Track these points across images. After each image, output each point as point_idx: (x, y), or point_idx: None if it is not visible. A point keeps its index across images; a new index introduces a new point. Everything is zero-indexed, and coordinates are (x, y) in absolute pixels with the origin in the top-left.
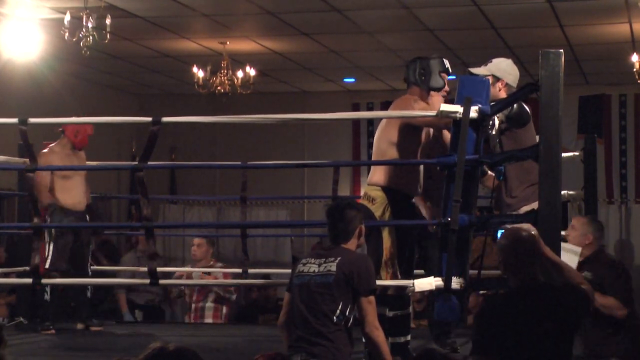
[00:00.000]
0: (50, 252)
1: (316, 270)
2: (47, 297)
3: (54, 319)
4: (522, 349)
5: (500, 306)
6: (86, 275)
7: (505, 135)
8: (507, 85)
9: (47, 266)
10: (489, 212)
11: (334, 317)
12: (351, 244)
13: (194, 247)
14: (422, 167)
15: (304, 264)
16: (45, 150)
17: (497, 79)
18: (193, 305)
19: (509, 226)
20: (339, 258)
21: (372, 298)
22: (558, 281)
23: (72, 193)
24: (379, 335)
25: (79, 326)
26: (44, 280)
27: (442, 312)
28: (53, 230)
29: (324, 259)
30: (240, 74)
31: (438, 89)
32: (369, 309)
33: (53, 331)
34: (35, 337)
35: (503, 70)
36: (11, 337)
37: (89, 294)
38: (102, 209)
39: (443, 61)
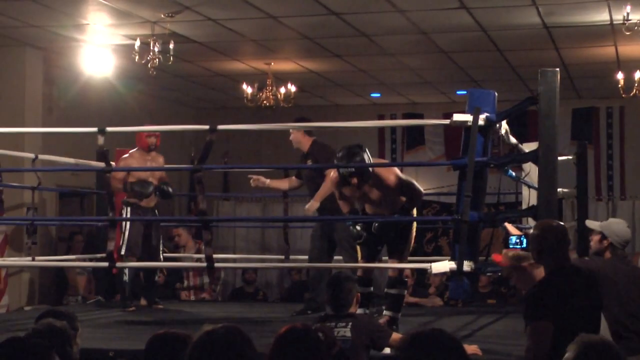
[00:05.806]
0: (126, 241)
1: None
2: (125, 278)
3: (132, 298)
4: (577, 316)
5: (553, 283)
6: (158, 261)
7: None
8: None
9: (122, 252)
10: (495, 208)
11: None
12: (353, 309)
13: (176, 238)
14: None
15: None
16: (125, 155)
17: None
18: (191, 283)
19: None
20: (350, 323)
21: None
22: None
23: None
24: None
25: (142, 302)
26: (118, 264)
27: (455, 291)
28: (125, 223)
29: (334, 324)
30: (282, 90)
31: None
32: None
33: (134, 308)
34: (109, 312)
35: (612, 230)
36: (91, 313)
37: (156, 278)
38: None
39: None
